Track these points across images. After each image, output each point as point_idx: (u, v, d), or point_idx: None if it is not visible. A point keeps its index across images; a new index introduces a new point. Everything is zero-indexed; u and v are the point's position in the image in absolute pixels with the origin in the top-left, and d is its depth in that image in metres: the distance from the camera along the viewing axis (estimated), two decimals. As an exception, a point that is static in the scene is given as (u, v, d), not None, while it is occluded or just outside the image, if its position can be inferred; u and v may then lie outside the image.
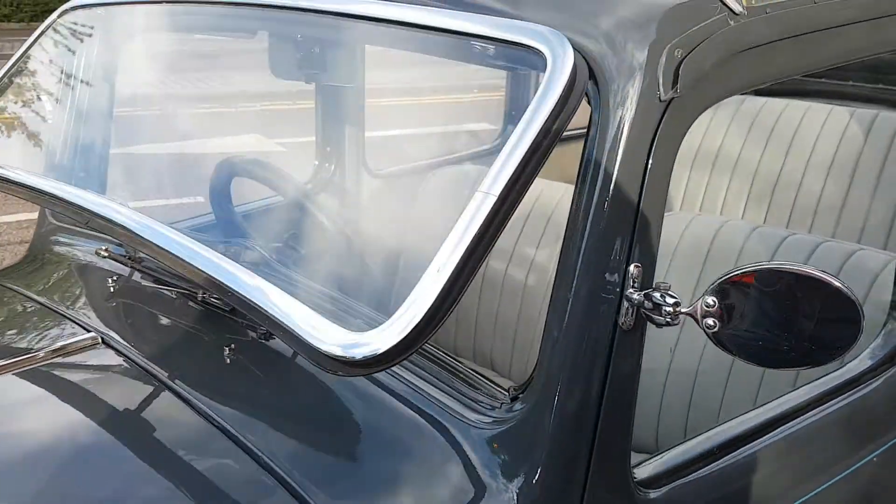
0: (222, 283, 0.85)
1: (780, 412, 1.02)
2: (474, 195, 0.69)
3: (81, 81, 1.47)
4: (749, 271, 0.74)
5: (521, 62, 0.83)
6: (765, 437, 0.99)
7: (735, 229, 1.36)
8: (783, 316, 0.72)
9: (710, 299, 0.74)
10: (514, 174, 0.71)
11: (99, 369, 1.07)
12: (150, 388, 1.01)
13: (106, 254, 1.25)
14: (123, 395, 1.02)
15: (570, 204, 0.82)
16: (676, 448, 0.95)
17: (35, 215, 1.54)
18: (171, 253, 0.93)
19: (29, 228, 3.43)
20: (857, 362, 1.13)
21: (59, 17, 1.43)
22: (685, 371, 1.25)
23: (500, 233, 0.71)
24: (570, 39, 0.79)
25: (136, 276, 1.23)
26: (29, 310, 1.23)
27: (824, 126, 2.04)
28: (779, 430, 1.00)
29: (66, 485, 0.90)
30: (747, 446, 0.97)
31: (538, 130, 0.73)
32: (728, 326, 0.74)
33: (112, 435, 0.95)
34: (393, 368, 0.89)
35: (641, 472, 0.88)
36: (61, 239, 1.44)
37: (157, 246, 0.95)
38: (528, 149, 0.73)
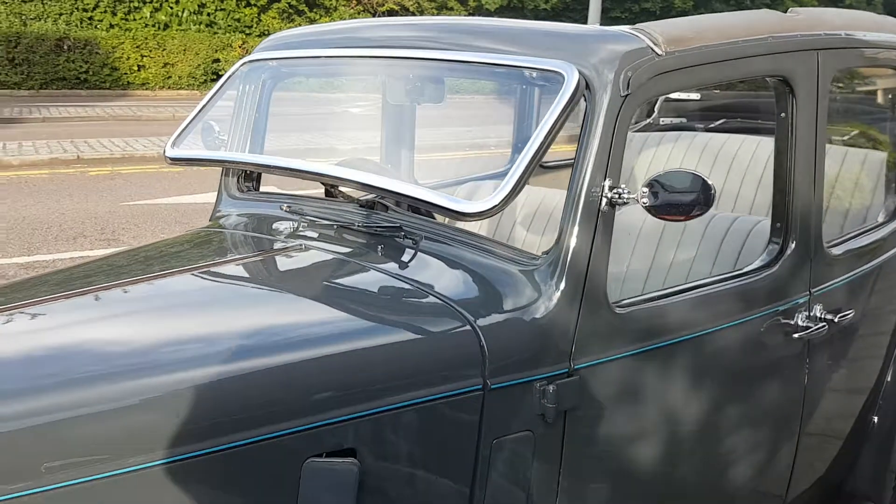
0: (391, 190, 1.62)
1: (699, 283, 1.79)
2: (534, 133, 1.46)
3: (249, 105, 2.22)
4: (659, 174, 1.49)
5: (550, 80, 1.59)
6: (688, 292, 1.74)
7: None
8: (679, 191, 1.47)
9: (643, 189, 1.49)
10: (552, 126, 1.47)
11: (313, 258, 1.79)
12: (351, 268, 1.73)
13: (287, 209, 1.99)
14: (332, 268, 1.74)
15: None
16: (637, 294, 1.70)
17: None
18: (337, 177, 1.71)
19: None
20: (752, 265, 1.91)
21: (239, 67, 2.21)
22: (645, 248, 2.03)
23: (545, 153, 1.47)
24: (576, 67, 1.56)
25: (305, 223, 1.96)
26: (247, 237, 1.97)
27: (755, 153, 2.87)
28: (698, 288, 1.76)
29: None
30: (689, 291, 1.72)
31: (563, 106, 1.48)
32: (653, 202, 1.49)
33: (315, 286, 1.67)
34: (480, 242, 1.64)
35: (612, 297, 1.61)
36: (236, 204, 2.18)
37: (331, 176, 1.73)
38: (558, 116, 1.48)
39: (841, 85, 2.96)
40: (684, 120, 3.82)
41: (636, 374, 1.63)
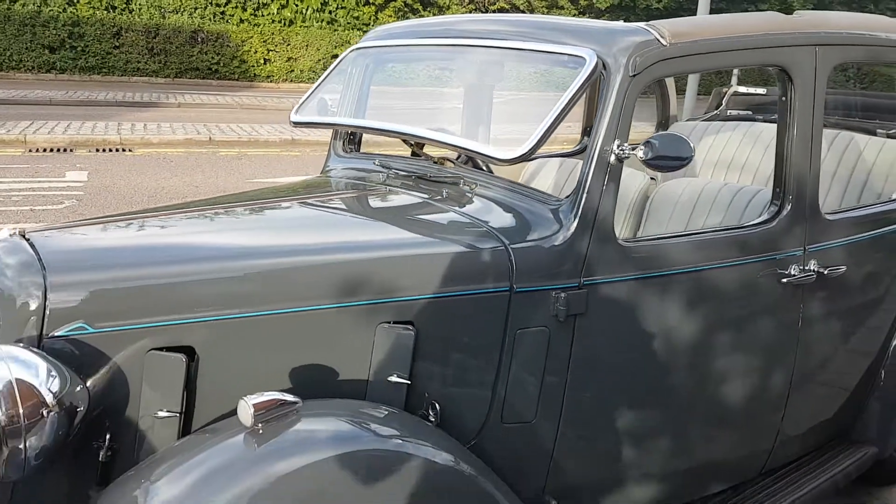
0: (441, 141, 2.14)
1: (702, 230, 2.23)
2: (559, 101, 1.94)
3: (355, 84, 2.79)
4: (654, 136, 1.94)
5: (573, 63, 2.06)
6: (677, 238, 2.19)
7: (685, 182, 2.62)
8: (667, 150, 1.91)
9: (641, 146, 1.94)
10: (573, 96, 1.93)
11: (396, 197, 2.33)
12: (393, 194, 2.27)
13: (379, 164, 2.55)
14: (410, 204, 2.26)
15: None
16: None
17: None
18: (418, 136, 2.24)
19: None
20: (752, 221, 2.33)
21: (348, 53, 2.78)
22: (681, 214, 2.47)
23: (565, 116, 1.95)
24: (596, 53, 2.03)
25: (392, 174, 2.51)
26: (347, 182, 2.54)
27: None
28: (699, 234, 2.20)
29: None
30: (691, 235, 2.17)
31: (584, 80, 1.95)
32: (647, 157, 1.93)
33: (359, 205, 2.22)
34: (518, 188, 2.14)
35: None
36: (341, 161, 2.76)
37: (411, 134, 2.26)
38: (578, 89, 1.94)
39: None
40: (750, 112, 4.17)
41: (635, 294, 2.07)
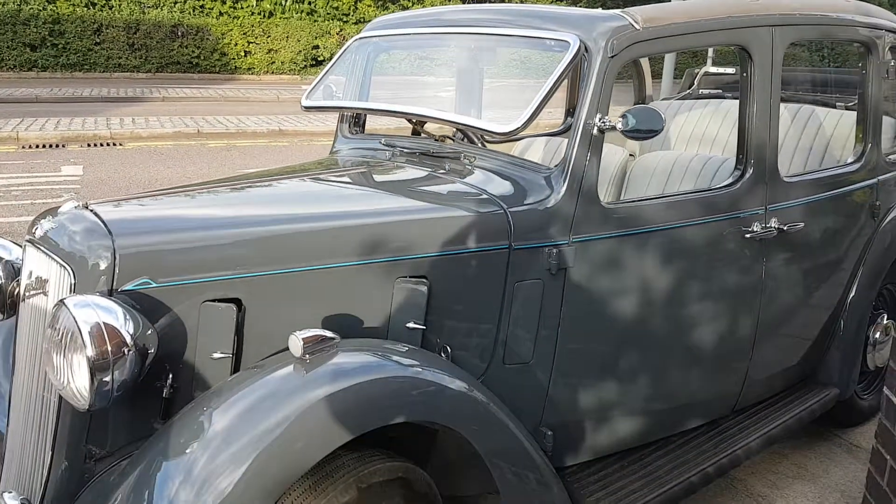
0: (443, 118, 2.42)
1: (674, 193, 2.52)
2: (548, 80, 2.21)
3: (358, 70, 3.06)
4: (630, 109, 2.22)
5: (559, 47, 2.33)
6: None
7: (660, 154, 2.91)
8: (645, 117, 2.19)
9: (619, 118, 2.22)
10: (560, 75, 2.20)
11: (402, 171, 2.59)
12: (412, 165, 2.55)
13: (384, 143, 2.82)
14: (415, 177, 2.53)
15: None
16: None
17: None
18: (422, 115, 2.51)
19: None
20: (718, 184, 2.62)
21: (351, 43, 3.05)
22: (657, 181, 2.76)
23: (553, 94, 2.23)
24: (579, 37, 2.30)
25: (396, 151, 2.78)
26: (354, 160, 2.81)
27: None
28: (672, 196, 2.49)
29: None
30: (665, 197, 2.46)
31: (569, 61, 2.22)
32: (624, 128, 2.21)
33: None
34: (513, 160, 2.42)
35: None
36: (347, 142, 3.02)
37: (411, 113, 2.53)
38: (566, 66, 2.22)
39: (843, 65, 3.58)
40: (720, 91, 4.48)
41: (617, 250, 2.36)
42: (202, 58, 19.94)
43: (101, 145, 9.97)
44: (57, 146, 9.77)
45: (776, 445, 3.30)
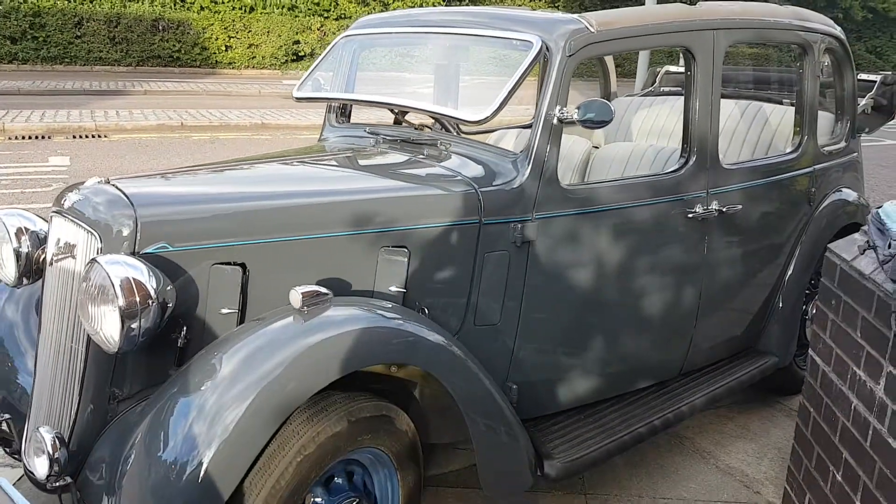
0: (423, 108, 2.72)
1: (627, 177, 2.85)
2: (514, 75, 2.52)
3: (344, 65, 3.35)
4: (585, 101, 2.54)
5: (523, 47, 2.63)
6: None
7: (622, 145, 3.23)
8: (597, 109, 2.51)
9: (575, 109, 2.52)
10: (524, 71, 2.49)
11: (384, 156, 2.90)
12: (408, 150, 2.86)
13: (368, 131, 3.12)
14: (396, 161, 2.85)
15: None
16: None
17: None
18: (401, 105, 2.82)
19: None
20: (665, 170, 2.96)
21: (339, 40, 3.34)
22: (617, 168, 3.08)
23: (518, 87, 2.54)
24: (541, 38, 2.61)
25: (380, 139, 3.08)
26: (341, 148, 3.10)
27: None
28: (625, 180, 2.82)
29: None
30: (618, 181, 2.79)
31: (530, 62, 2.52)
32: (580, 118, 2.52)
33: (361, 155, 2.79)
34: (484, 147, 2.73)
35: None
36: (334, 131, 3.32)
37: (397, 104, 2.84)
38: (529, 63, 2.51)
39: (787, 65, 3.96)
40: (680, 88, 4.82)
41: (574, 226, 2.67)
42: (183, 52, 20.05)
43: (87, 137, 10.16)
44: (43, 137, 9.95)
45: (722, 408, 3.65)
